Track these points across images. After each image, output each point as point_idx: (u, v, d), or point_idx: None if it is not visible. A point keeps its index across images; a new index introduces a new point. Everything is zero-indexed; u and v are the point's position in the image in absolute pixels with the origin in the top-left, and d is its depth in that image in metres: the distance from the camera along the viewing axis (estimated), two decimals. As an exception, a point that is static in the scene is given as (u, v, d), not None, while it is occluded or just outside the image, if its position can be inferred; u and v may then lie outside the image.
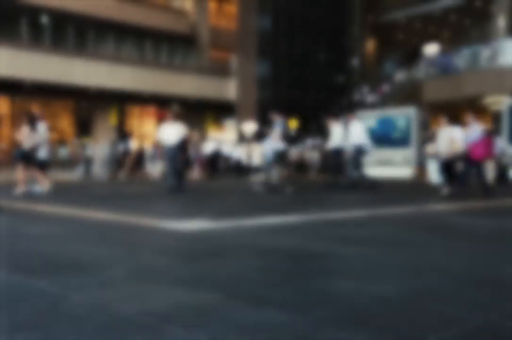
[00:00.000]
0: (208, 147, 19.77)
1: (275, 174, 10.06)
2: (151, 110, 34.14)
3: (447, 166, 9.01)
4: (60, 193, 9.18)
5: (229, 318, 1.87)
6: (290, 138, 10.25)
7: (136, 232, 4.34)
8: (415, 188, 11.52)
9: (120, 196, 9.22)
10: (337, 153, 10.62)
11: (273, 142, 9.95)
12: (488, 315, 1.91)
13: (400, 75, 31.98)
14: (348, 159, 10.35)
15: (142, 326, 1.79)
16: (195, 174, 17.18)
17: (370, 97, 30.42)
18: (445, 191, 8.86)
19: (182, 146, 9.63)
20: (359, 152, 10.18)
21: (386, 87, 31.01)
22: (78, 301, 2.11)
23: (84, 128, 37.05)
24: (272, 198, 8.30)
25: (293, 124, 30.49)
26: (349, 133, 10.36)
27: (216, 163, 19.57)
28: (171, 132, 9.29)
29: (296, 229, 4.46)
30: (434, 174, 9.60)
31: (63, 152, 27.48)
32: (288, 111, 31.20)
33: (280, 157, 9.94)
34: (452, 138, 8.87)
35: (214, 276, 2.57)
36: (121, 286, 2.37)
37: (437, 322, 1.83)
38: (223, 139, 25.05)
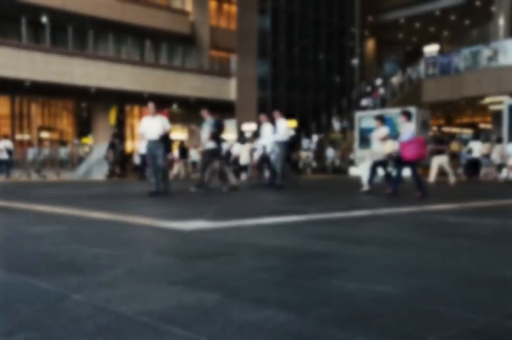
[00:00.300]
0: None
1: (208, 173, 10.12)
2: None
3: (376, 166, 9.16)
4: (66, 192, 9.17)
5: (229, 318, 1.87)
6: (218, 137, 9.99)
7: (136, 231, 4.34)
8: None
9: (124, 195, 9.23)
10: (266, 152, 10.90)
11: (207, 143, 9.86)
12: (488, 315, 1.91)
13: (395, 79, 32.05)
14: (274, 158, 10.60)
15: (142, 326, 1.79)
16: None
17: (365, 101, 30.44)
18: (366, 187, 9.12)
19: (165, 142, 8.81)
20: (272, 152, 10.67)
21: (381, 91, 31.04)
22: (78, 301, 2.11)
23: (84, 128, 37.07)
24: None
25: (293, 124, 30.48)
26: (273, 132, 10.65)
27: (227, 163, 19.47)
28: (152, 126, 8.59)
29: (297, 229, 4.46)
30: (364, 174, 9.78)
31: (63, 152, 27.48)
32: (287, 111, 31.24)
33: (210, 157, 9.83)
34: (382, 137, 9.02)
35: (214, 276, 2.58)
36: (121, 286, 2.37)
37: (437, 322, 1.83)
38: (231, 139, 24.79)
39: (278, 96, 30.93)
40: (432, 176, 13.89)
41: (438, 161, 13.92)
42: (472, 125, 39.75)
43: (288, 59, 31.47)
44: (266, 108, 30.50)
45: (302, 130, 30.06)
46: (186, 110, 36.02)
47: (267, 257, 3.11)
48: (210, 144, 9.79)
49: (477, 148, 16.12)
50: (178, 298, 2.16)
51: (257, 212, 6.08)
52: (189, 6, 35.70)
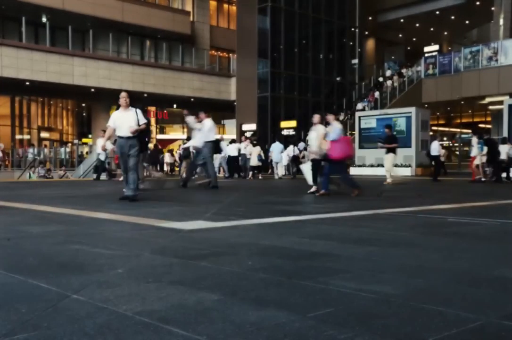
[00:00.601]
0: (231, 148, 19.74)
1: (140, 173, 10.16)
2: (151, 110, 34.13)
3: (317, 165, 9.10)
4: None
5: (229, 318, 1.87)
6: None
7: (136, 231, 4.34)
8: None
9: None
10: (196, 152, 11.06)
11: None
12: (488, 315, 1.91)
13: (390, 82, 32.10)
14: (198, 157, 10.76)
15: (142, 326, 1.79)
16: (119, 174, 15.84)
17: (360, 105, 30.41)
18: (313, 189, 9.12)
19: (140, 139, 7.53)
20: (196, 152, 10.89)
21: (377, 94, 31.05)
22: (78, 301, 2.11)
23: (84, 128, 37.04)
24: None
25: (292, 124, 30.49)
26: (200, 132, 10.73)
27: (238, 164, 19.69)
28: (124, 121, 7.25)
29: (297, 229, 4.46)
30: (308, 174, 9.77)
31: (63, 152, 27.50)
32: (287, 111, 31.25)
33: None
34: (320, 136, 8.97)
35: (214, 276, 2.58)
36: (121, 286, 2.37)
37: (437, 322, 1.83)
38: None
39: (278, 96, 30.92)
40: (388, 175, 13.53)
41: (390, 160, 13.45)
42: (472, 125, 39.76)
43: (288, 59, 31.47)
44: (267, 108, 30.52)
45: (302, 130, 30.03)
46: (186, 110, 35.93)
47: (267, 257, 3.11)
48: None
49: (504, 150, 16.15)
50: (178, 298, 2.16)
51: (256, 212, 6.08)
52: (189, 6, 35.70)
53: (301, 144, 22.77)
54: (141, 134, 7.58)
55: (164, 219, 5.03)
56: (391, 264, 2.90)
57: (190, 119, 11.33)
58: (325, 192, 8.57)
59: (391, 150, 13.35)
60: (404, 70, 32.72)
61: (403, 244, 3.65)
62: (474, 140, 15.68)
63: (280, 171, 19.78)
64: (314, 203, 7.74)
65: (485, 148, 15.34)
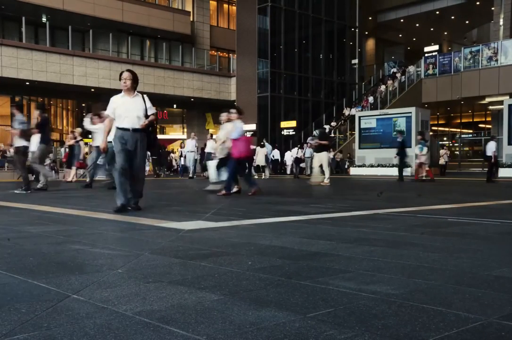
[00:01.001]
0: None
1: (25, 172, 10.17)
2: (151, 110, 34.02)
3: (222, 164, 9.10)
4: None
5: (229, 318, 1.87)
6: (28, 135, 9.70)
7: (136, 231, 4.34)
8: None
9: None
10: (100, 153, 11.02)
11: (17, 141, 9.67)
12: (488, 315, 1.91)
13: (383, 87, 32.18)
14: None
15: (142, 326, 1.79)
16: (71, 176, 15.21)
17: (354, 110, 30.48)
18: (211, 187, 9.16)
19: (148, 135, 5.92)
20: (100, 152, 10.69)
21: (371, 99, 31.12)
22: (78, 301, 2.11)
23: (84, 128, 36.89)
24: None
25: (292, 124, 30.48)
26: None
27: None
28: (129, 109, 5.71)
29: (297, 229, 4.46)
30: (213, 172, 9.77)
31: (63, 152, 27.46)
32: (287, 111, 31.24)
33: (22, 155, 9.80)
34: (227, 134, 8.97)
35: (214, 276, 2.57)
36: (121, 286, 2.37)
37: (437, 322, 1.83)
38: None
39: (278, 96, 30.91)
40: (315, 176, 13.13)
41: (319, 159, 13.05)
42: (472, 125, 39.77)
43: (288, 59, 31.46)
44: (267, 108, 30.50)
45: (302, 130, 30.03)
46: (186, 110, 35.99)
47: (267, 257, 3.11)
48: (20, 142, 9.58)
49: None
50: (178, 298, 2.16)
51: (256, 212, 6.08)
52: (189, 6, 35.70)
53: (310, 138, 23.15)
54: (149, 128, 5.95)
55: (163, 219, 5.03)
56: (391, 264, 2.90)
57: (86, 121, 11.32)
58: (226, 193, 8.62)
59: (325, 149, 13.16)
60: (398, 75, 32.82)
61: (403, 244, 3.65)
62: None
63: (267, 172, 20.59)
64: (314, 203, 7.74)
65: (425, 149, 16.16)
